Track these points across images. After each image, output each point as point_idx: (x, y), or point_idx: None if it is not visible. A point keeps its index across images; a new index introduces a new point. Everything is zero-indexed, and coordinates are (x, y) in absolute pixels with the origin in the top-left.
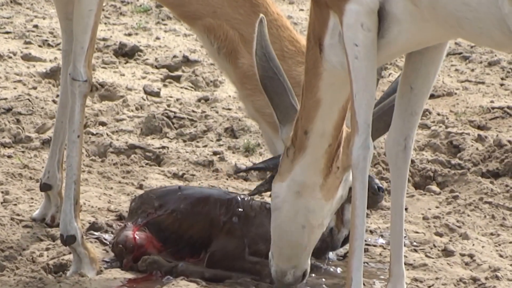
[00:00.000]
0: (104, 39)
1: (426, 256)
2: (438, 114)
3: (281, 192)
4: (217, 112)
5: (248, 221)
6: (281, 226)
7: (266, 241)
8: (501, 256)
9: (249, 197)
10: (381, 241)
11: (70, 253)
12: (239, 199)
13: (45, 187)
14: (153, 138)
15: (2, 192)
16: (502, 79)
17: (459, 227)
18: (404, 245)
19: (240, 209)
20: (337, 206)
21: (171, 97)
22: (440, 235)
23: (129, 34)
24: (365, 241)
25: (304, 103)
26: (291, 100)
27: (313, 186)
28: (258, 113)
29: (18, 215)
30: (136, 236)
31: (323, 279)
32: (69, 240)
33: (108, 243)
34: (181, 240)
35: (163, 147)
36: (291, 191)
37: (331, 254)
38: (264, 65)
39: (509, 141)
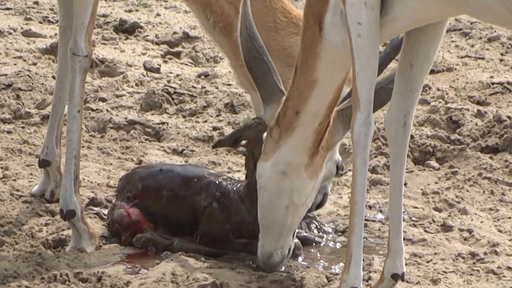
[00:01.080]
0: (104, 15)
1: (425, 231)
2: (438, 90)
3: (265, 172)
4: (217, 87)
5: (226, 208)
6: (266, 205)
7: (247, 226)
8: (500, 231)
9: (228, 180)
10: (380, 216)
11: (69, 228)
12: (217, 182)
13: (44, 163)
14: (152, 114)
15: (2, 168)
16: (501, 54)
17: (458, 202)
18: (403, 220)
19: (218, 194)
20: (321, 184)
21: (171, 73)
22: (439, 210)
23: (130, 11)
24: (364, 216)
25: (297, 83)
26: (275, 80)
27: (298, 166)
28: (249, 82)
29: (17, 190)
30: (130, 212)
31: (322, 255)
32: (68, 215)
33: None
34: (171, 222)
35: (163, 123)
36: (275, 171)
37: (329, 228)
38: (248, 46)
39: (508, 117)
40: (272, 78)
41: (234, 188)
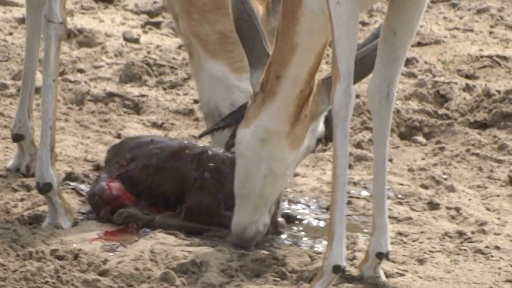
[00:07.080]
0: None
1: (411, 209)
2: (425, 63)
3: (245, 138)
4: None
5: (221, 177)
6: (243, 174)
7: None
8: (488, 209)
9: (222, 150)
10: (365, 193)
11: (45, 204)
12: (210, 153)
13: (17, 138)
14: (132, 86)
15: None
16: (491, 26)
17: (445, 179)
18: (389, 198)
19: (211, 164)
20: (303, 157)
21: (151, 43)
22: (426, 187)
23: None
24: (348, 193)
25: (279, 48)
26: (263, 45)
27: (279, 134)
28: (201, 42)
29: None
30: (111, 187)
31: (304, 233)
32: (45, 188)
33: (84, 194)
34: (155, 195)
35: (142, 95)
36: (256, 138)
37: (314, 206)
38: (239, 7)
39: (497, 91)
40: (260, 42)
41: (229, 157)
